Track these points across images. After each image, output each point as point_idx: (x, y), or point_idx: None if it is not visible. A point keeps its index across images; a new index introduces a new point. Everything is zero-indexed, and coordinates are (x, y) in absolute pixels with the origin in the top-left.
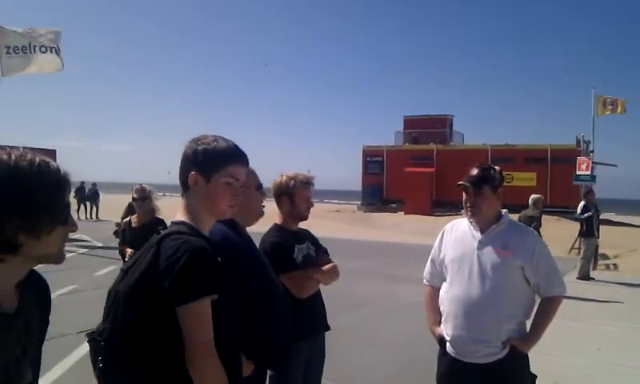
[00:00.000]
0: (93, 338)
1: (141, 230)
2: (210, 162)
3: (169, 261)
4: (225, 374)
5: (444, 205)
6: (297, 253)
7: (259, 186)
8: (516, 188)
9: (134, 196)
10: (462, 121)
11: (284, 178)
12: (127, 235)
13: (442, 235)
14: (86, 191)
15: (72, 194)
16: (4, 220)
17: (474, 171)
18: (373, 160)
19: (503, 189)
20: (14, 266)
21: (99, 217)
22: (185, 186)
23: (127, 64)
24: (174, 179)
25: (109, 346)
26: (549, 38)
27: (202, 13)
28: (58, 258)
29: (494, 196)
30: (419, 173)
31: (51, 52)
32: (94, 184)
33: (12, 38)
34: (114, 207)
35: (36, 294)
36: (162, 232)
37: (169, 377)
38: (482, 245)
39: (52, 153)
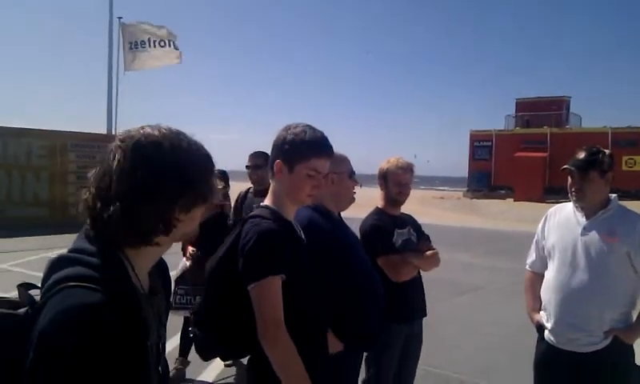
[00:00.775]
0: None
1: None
2: (295, 153)
3: (242, 243)
4: (294, 349)
5: (558, 191)
6: (396, 237)
7: (351, 173)
8: (638, 173)
9: None
10: (580, 102)
11: (385, 163)
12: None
13: (545, 220)
14: None
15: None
16: (176, 201)
17: (581, 155)
18: (481, 145)
19: (613, 173)
20: (162, 248)
21: None
22: (271, 172)
23: (236, 60)
24: None
25: (198, 319)
26: None
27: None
28: (192, 235)
29: (601, 181)
30: (531, 157)
31: (169, 45)
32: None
33: (134, 33)
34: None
35: (162, 276)
36: (248, 214)
37: (248, 346)
38: (586, 231)
39: None
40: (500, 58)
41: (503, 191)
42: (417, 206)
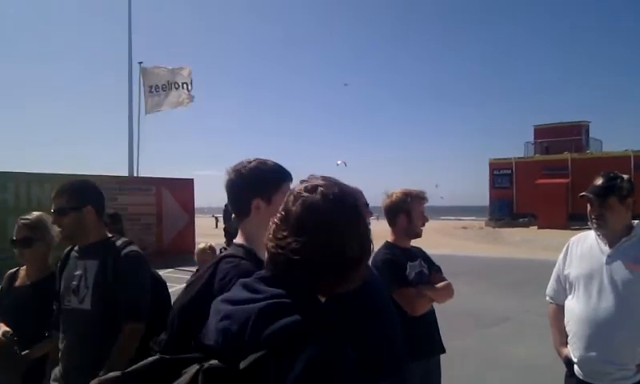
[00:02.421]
0: (151, 346)
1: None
2: (267, 184)
3: (220, 283)
4: None
5: (582, 218)
6: (409, 270)
7: (365, 205)
8: None
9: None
10: (600, 126)
11: (398, 194)
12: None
13: (567, 249)
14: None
15: (220, 221)
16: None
17: (599, 181)
18: (500, 173)
19: (633, 198)
20: None
21: None
22: (242, 213)
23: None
24: None
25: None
26: None
27: (278, 42)
28: None
29: (621, 207)
30: (553, 184)
31: (183, 88)
32: None
33: (154, 77)
34: None
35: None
36: (222, 253)
37: None
38: (610, 259)
39: (190, 182)
40: (516, 83)
41: (526, 219)
42: (438, 236)
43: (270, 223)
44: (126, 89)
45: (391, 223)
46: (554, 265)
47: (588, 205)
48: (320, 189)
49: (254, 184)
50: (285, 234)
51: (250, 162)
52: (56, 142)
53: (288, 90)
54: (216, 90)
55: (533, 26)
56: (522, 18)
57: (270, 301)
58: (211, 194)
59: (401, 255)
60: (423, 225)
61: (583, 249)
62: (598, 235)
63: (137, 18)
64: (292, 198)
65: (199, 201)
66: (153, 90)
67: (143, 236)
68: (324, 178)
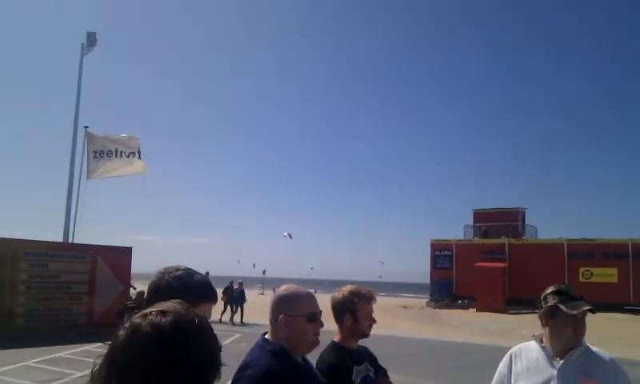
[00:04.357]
0: None
1: None
2: (185, 297)
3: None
4: None
5: (518, 302)
6: (355, 375)
7: (311, 315)
8: (595, 285)
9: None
10: (535, 213)
11: (345, 292)
12: None
13: (510, 362)
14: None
15: (220, 294)
16: None
17: (575, 295)
18: (442, 254)
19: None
20: None
21: (243, 321)
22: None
23: (197, 162)
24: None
25: None
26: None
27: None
28: None
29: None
30: (491, 268)
31: (134, 156)
32: (240, 283)
33: (100, 143)
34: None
35: None
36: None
37: None
38: (562, 372)
39: (128, 250)
40: (458, 166)
41: (466, 301)
42: (379, 315)
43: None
44: (69, 152)
45: (337, 321)
46: (492, 349)
47: (571, 323)
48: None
49: (171, 292)
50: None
51: (177, 270)
52: None
53: (241, 154)
54: (164, 154)
55: (472, 116)
56: (463, 107)
57: None
58: (153, 260)
59: (347, 358)
60: (370, 326)
61: (529, 361)
62: (543, 347)
63: (85, 82)
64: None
65: (140, 267)
66: (97, 155)
67: (73, 306)
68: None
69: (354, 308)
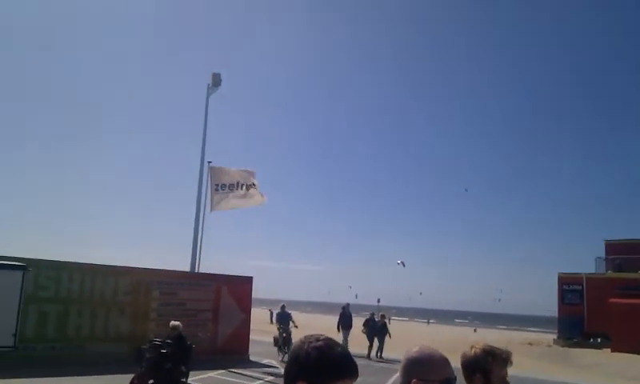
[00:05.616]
0: None
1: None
2: (320, 373)
3: None
4: None
5: None
6: None
7: (447, 381)
8: None
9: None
10: None
11: (478, 350)
12: None
13: None
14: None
15: (274, 320)
16: None
17: None
18: (571, 289)
19: None
20: None
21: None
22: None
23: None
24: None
25: None
26: None
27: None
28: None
29: None
30: (628, 304)
31: (253, 189)
32: (382, 315)
33: (221, 176)
34: (310, 328)
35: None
36: None
37: None
38: None
39: (249, 279)
40: (587, 193)
41: (599, 340)
42: None
43: None
44: (193, 187)
45: (467, 379)
46: None
47: None
48: None
49: (306, 365)
50: None
51: (318, 340)
52: (123, 236)
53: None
54: (283, 184)
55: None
56: (585, 139)
57: None
58: (267, 285)
59: None
60: None
61: None
62: None
63: (211, 118)
64: None
65: (254, 292)
66: (219, 188)
67: (198, 332)
68: None
69: (487, 368)
